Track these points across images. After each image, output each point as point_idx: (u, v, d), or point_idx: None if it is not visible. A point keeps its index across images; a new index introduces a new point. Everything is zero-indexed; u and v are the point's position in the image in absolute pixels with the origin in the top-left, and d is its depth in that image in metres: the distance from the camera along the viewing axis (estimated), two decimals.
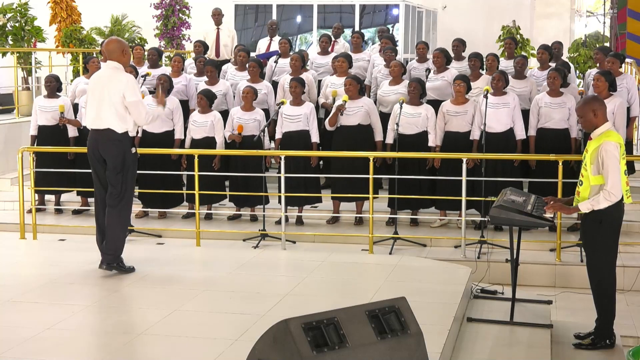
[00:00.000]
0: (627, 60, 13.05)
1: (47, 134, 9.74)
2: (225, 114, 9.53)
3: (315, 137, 9.08)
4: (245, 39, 13.92)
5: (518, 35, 14.75)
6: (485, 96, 8.45)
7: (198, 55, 11.05)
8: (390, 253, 8.06)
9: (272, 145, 9.37)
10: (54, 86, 9.84)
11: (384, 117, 9.06)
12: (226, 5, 14.26)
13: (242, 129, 8.96)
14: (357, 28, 13.59)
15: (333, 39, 11.48)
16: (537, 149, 8.66)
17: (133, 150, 6.52)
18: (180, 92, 10.07)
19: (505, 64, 10.19)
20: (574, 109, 8.65)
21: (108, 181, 6.44)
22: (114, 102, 6.31)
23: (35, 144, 9.74)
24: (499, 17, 16.82)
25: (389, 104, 9.19)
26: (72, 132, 9.78)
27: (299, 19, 14.59)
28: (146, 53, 11.07)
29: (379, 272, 6.84)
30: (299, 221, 9.27)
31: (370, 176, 8.09)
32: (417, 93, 8.81)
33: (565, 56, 16.46)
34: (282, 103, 9.00)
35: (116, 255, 6.50)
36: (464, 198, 7.99)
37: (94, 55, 11.32)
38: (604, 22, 17.53)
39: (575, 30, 22.66)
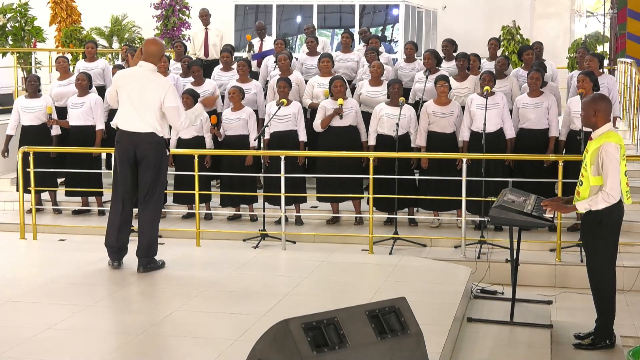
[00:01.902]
0: (627, 60, 13.07)
1: (33, 134, 9.67)
2: (211, 114, 9.54)
3: (302, 136, 9.10)
4: (245, 39, 13.91)
5: (518, 36, 14.76)
6: (486, 96, 8.45)
7: (180, 56, 11.00)
8: (390, 253, 8.07)
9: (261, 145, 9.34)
10: (35, 86, 9.84)
11: (368, 117, 9.06)
12: (226, 5, 14.26)
13: (215, 120, 8.98)
14: (357, 28, 13.58)
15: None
16: (518, 149, 8.69)
17: (167, 152, 6.54)
18: None
19: (489, 65, 10.14)
20: (553, 107, 8.70)
21: (143, 183, 6.38)
22: (156, 106, 6.27)
23: (18, 144, 9.55)
24: (499, 17, 16.84)
25: (375, 104, 9.13)
26: (54, 130, 9.78)
27: (299, 19, 14.58)
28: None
29: (379, 272, 6.84)
30: (299, 221, 9.27)
31: (370, 176, 8.09)
32: (401, 94, 8.83)
33: (565, 56, 16.51)
34: (283, 103, 8.99)
35: (152, 256, 6.52)
36: (464, 198, 7.99)
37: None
38: (604, 22, 17.51)
39: (575, 30, 22.63)
